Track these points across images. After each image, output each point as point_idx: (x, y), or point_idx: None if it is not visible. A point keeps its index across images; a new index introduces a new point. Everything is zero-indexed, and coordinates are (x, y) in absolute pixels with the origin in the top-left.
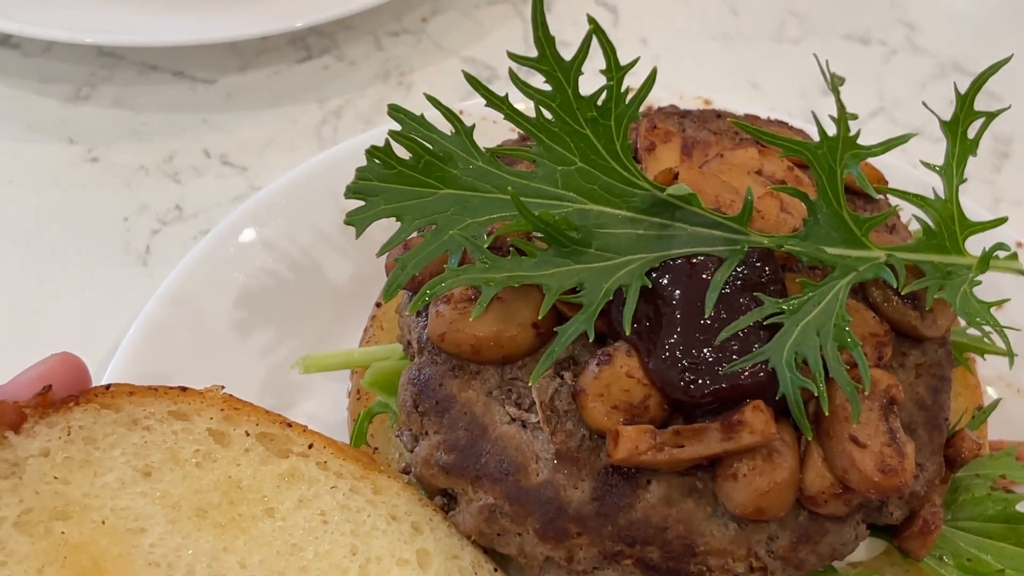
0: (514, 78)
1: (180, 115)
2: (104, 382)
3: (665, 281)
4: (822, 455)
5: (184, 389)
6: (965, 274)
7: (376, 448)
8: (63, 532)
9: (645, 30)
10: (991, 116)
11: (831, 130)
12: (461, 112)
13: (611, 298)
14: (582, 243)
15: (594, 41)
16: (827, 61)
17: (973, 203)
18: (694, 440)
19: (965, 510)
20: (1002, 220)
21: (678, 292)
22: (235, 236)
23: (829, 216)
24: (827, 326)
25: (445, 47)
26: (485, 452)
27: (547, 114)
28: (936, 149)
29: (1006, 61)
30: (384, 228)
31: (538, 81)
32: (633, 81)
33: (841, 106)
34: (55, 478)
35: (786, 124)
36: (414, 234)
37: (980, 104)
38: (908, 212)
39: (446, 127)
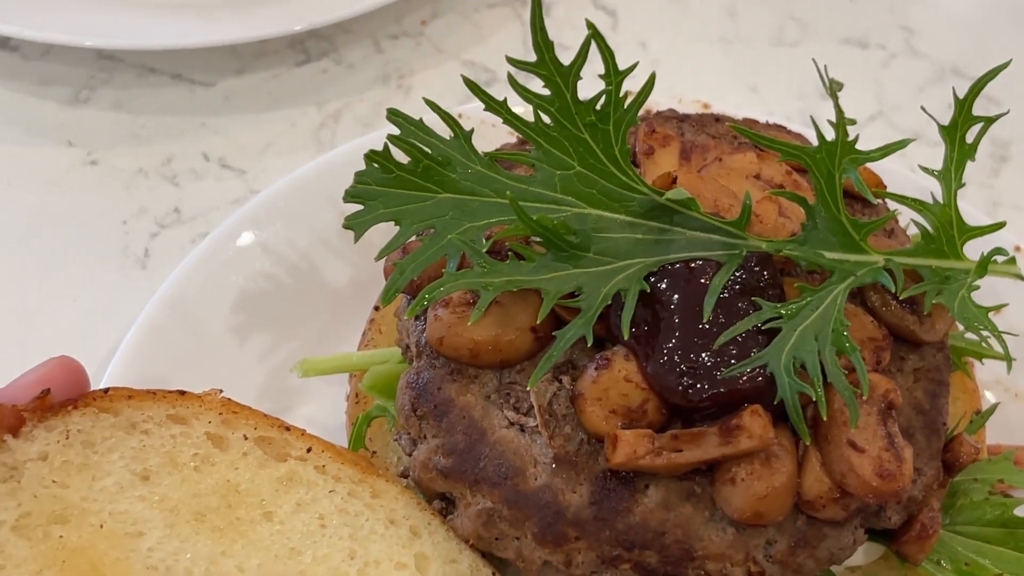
0: (513, 83)
1: (179, 118)
2: (102, 386)
3: (663, 285)
4: (820, 460)
5: (182, 393)
6: (963, 278)
7: (374, 452)
8: (61, 536)
9: (644, 34)
10: (990, 121)
11: (830, 135)
12: (460, 116)
13: (609, 302)
14: (580, 247)
15: (592, 45)
16: (825, 66)
17: (971, 207)
18: (692, 444)
19: (963, 514)
20: (1000, 224)
21: (676, 296)
22: (234, 239)
23: (827, 220)
24: (825, 331)
25: (444, 50)
26: (483, 456)
27: (546, 118)
28: (934, 153)
29: (1005, 66)
30: (383, 232)
31: (537, 85)
32: (632, 85)
33: (840, 111)
34: (53, 482)
35: (784, 128)
36: (413, 238)
37: (978, 108)
38: (907, 216)
39: (445, 131)
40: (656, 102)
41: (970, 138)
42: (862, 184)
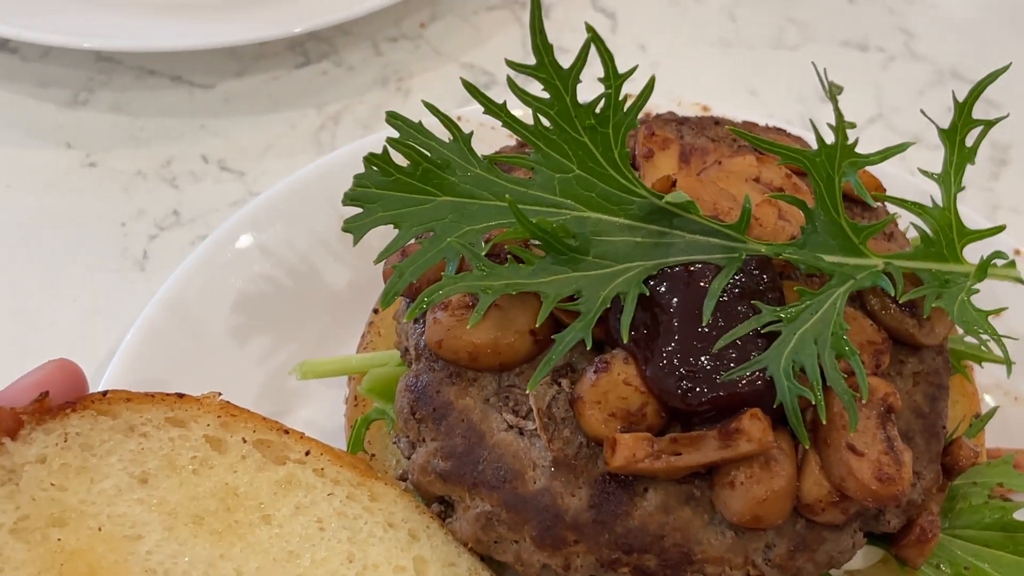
0: (512, 86)
1: (178, 120)
2: (101, 388)
3: (663, 289)
4: (819, 463)
5: (181, 395)
6: (963, 282)
7: (373, 455)
8: (59, 539)
9: (643, 36)
10: (990, 124)
11: (829, 138)
12: (459, 118)
13: (609, 306)
14: (580, 251)
15: (592, 47)
16: (825, 69)
17: (971, 211)
18: (691, 448)
19: (962, 518)
20: (1000, 228)
21: (676, 300)
22: (233, 242)
23: (827, 224)
24: (825, 334)
25: (444, 53)
26: (482, 459)
27: (545, 121)
28: (934, 156)
29: (1005, 69)
30: (382, 235)
31: (536, 88)
32: (631, 88)
33: (839, 114)
34: (52, 485)
35: (784, 131)
36: (412, 241)
37: (978, 112)
38: (906, 220)
39: (444, 134)
40: (655, 105)
41: (970, 141)
42: (861, 187)
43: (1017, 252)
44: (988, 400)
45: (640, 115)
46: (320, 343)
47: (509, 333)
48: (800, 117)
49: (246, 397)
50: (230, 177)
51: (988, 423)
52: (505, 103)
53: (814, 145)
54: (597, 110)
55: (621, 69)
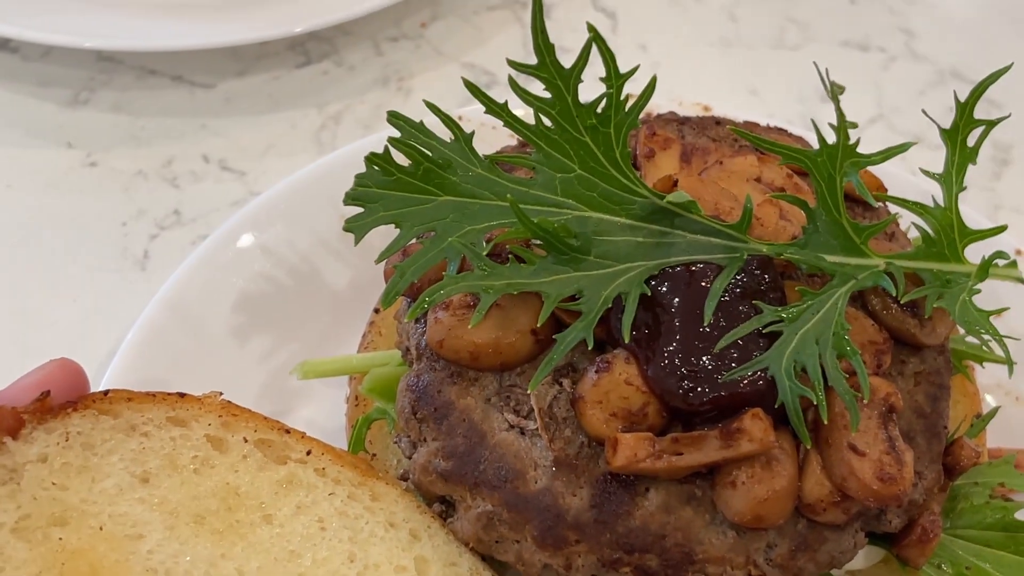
0: (513, 85)
1: (179, 120)
2: (102, 387)
3: (664, 288)
4: (821, 463)
5: (182, 395)
6: (964, 282)
7: (374, 454)
8: (61, 538)
9: (644, 36)
10: (991, 124)
11: (831, 138)
12: (460, 118)
13: (610, 305)
14: (581, 250)
15: (593, 47)
16: (827, 69)
17: (972, 211)
18: (693, 448)
19: (964, 518)
20: (1002, 228)
21: (677, 300)
22: (233, 241)
23: (828, 224)
24: (826, 334)
25: (444, 53)
26: (483, 459)
27: (546, 121)
28: (935, 156)
29: (1006, 69)
30: (383, 234)
31: (537, 87)
32: (632, 87)
33: (841, 114)
34: (53, 484)
35: (785, 131)
36: (413, 241)
37: (979, 112)
38: (907, 220)
39: (445, 133)
40: (656, 105)
41: (971, 141)
42: (863, 187)
43: (1018, 252)
44: (989, 400)
45: (641, 115)
46: (321, 343)
47: (510, 333)
48: (800, 117)
49: (247, 397)
50: (231, 177)
51: (989, 423)
52: (506, 103)
53: (815, 145)
54: (599, 110)
55: (622, 69)
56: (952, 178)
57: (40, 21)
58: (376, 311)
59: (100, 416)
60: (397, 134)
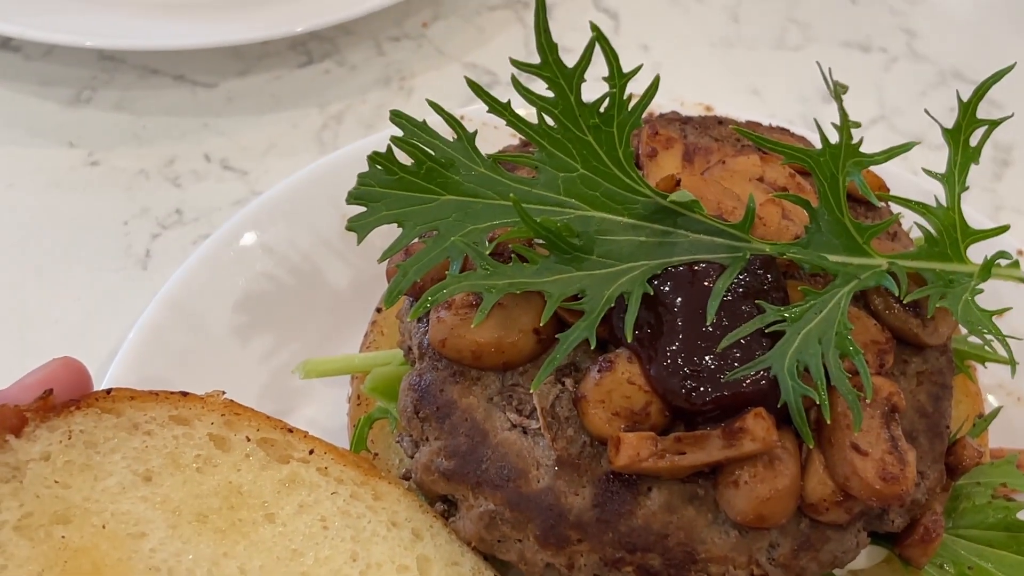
0: (516, 84)
1: (181, 119)
2: (104, 386)
3: (667, 288)
4: (823, 463)
5: (185, 394)
6: (967, 282)
7: (376, 454)
8: (63, 536)
9: (646, 36)
10: (994, 124)
11: (833, 138)
12: (463, 118)
13: (613, 305)
14: (584, 250)
15: (596, 46)
16: (830, 69)
17: (974, 211)
18: (695, 447)
19: (966, 518)
20: (1004, 228)
21: (680, 299)
22: (235, 240)
23: (831, 223)
24: (829, 334)
25: (446, 52)
26: (486, 458)
27: (549, 120)
28: (937, 156)
29: (1009, 69)
30: (385, 234)
31: (540, 87)
32: (634, 87)
33: (844, 113)
34: (56, 482)
35: (788, 131)
36: (415, 240)
37: (981, 112)
38: (910, 220)
39: (448, 133)
40: (658, 104)
41: (973, 142)
42: (866, 187)
43: (1020, 252)
44: (991, 400)
45: (643, 115)
46: (323, 342)
47: (513, 332)
48: (802, 117)
49: (249, 396)
50: (233, 176)
51: (991, 423)
52: (509, 102)
53: (818, 145)
54: (601, 109)
55: (624, 69)
56: (955, 178)
57: (42, 20)
58: (378, 310)
59: (103, 414)
60: (399, 133)
